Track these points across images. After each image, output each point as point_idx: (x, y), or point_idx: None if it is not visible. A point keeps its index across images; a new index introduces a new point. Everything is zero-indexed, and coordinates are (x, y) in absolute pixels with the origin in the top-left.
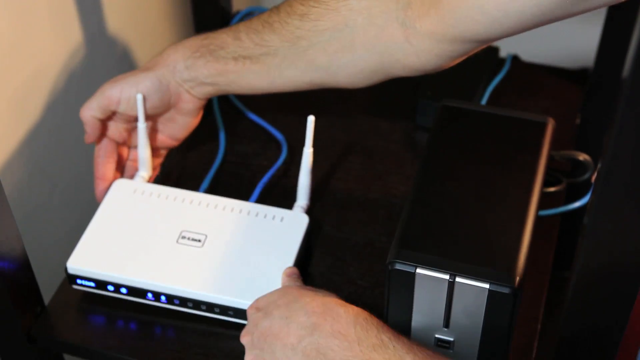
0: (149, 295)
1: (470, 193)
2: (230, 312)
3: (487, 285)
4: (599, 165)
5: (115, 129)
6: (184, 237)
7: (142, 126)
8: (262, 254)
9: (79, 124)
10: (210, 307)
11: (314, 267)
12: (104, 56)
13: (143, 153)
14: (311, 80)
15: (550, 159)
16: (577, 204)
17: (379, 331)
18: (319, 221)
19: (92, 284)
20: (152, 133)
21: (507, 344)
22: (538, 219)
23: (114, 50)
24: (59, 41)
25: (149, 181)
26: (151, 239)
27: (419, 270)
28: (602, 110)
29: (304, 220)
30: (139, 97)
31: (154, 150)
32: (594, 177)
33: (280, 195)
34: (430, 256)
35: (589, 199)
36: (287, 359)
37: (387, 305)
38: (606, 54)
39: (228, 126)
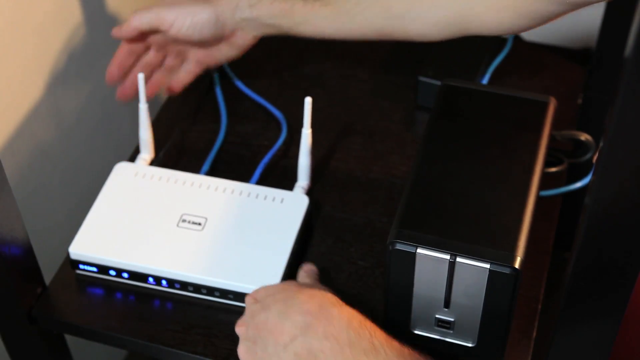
0: (150, 279)
1: (471, 173)
2: (230, 296)
3: (487, 266)
4: (600, 145)
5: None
6: (184, 221)
7: (143, 107)
8: (262, 236)
9: (80, 104)
10: (211, 290)
11: (314, 248)
12: (105, 35)
13: (144, 135)
14: (382, 28)
15: (552, 139)
16: (578, 184)
17: (372, 335)
18: (319, 202)
19: (95, 269)
20: (193, 47)
21: (507, 324)
22: (539, 199)
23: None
24: (59, 20)
25: (151, 162)
26: (152, 222)
27: (419, 250)
28: (604, 90)
29: (304, 201)
30: (140, 76)
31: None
32: (595, 157)
33: (280, 175)
34: (431, 236)
35: (590, 179)
36: (277, 356)
37: (388, 285)
38: (608, 34)
39: (229, 106)
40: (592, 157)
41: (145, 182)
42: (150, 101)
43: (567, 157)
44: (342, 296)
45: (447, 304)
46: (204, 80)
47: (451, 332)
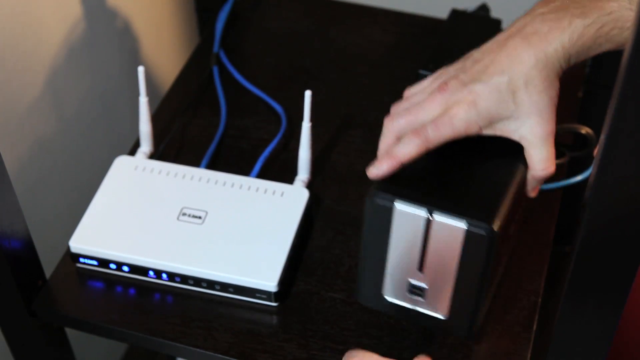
0: (151, 273)
1: (461, 143)
2: (231, 289)
3: (464, 225)
4: (600, 139)
5: None
6: (184, 214)
7: (143, 100)
8: (262, 230)
9: (80, 98)
10: (211, 284)
11: (315, 241)
12: (105, 29)
13: (144, 128)
14: None
15: None
16: (579, 178)
17: None
18: (319, 195)
19: (95, 263)
20: None
21: (480, 294)
22: (539, 193)
23: (114, 23)
24: (59, 14)
25: (151, 155)
26: (152, 216)
27: (397, 205)
28: (605, 82)
29: (305, 194)
30: (141, 69)
31: None
32: (596, 151)
33: (281, 168)
34: (411, 192)
35: (591, 172)
36: None
37: (363, 244)
38: None
39: (229, 99)
40: (592, 151)
41: (145, 175)
42: (151, 94)
43: (568, 151)
44: (343, 294)
45: (420, 266)
46: (204, 74)
47: (423, 300)
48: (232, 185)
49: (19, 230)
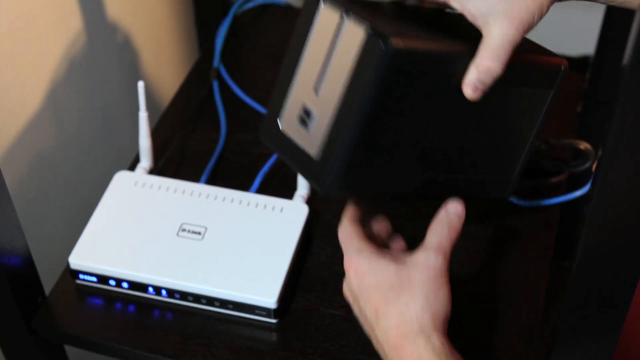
0: (150, 289)
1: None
2: (230, 306)
3: (364, 32)
4: (599, 155)
5: None
6: (184, 230)
7: (143, 115)
8: (262, 245)
9: (80, 113)
10: (210, 300)
11: (314, 257)
12: (105, 44)
13: (144, 143)
14: None
15: (551, 147)
16: (577, 193)
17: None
18: (319, 210)
19: (94, 279)
20: None
21: (359, 132)
22: (539, 208)
23: (114, 38)
24: (59, 29)
25: (151, 170)
26: (152, 232)
27: (322, 3)
28: (604, 97)
29: (304, 210)
30: (140, 84)
31: None
32: (594, 166)
33: (280, 183)
34: (346, 3)
35: (590, 188)
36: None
37: (287, 51)
38: (607, 41)
39: (229, 114)
40: (591, 166)
41: (145, 191)
42: (151, 109)
43: (567, 166)
44: (342, 310)
45: (319, 85)
46: (204, 88)
47: (306, 132)
48: (232, 200)
49: (18, 246)
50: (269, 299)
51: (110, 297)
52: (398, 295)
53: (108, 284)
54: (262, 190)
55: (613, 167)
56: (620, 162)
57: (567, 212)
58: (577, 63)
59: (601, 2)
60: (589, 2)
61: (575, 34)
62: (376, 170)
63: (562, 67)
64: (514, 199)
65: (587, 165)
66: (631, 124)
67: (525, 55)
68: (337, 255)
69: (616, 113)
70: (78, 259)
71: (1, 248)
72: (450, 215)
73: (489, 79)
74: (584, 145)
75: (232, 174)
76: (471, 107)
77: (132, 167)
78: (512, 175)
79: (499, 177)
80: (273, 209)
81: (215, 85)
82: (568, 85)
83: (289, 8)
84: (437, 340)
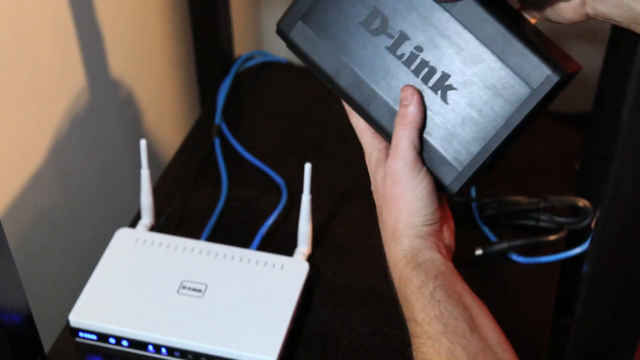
0: (150, 347)
1: None
2: None
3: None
4: (597, 213)
5: None
6: (184, 287)
7: (145, 173)
8: (262, 303)
9: (82, 169)
10: (210, 359)
11: (314, 314)
12: (108, 100)
13: (145, 200)
14: None
15: (550, 205)
16: (577, 250)
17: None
18: (319, 267)
19: (94, 337)
20: None
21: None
22: (538, 265)
23: (117, 94)
24: (62, 85)
25: (152, 227)
26: (152, 289)
27: None
28: (602, 155)
29: (304, 267)
30: (143, 142)
31: None
32: (593, 223)
33: (281, 240)
34: None
35: (589, 245)
36: None
37: None
38: (605, 98)
39: (230, 171)
40: (590, 223)
41: (146, 248)
42: (152, 165)
43: (566, 223)
44: None
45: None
46: (205, 145)
47: None
48: (232, 257)
49: (19, 304)
50: (269, 357)
51: (110, 356)
52: (383, 208)
53: (108, 342)
54: (263, 246)
55: (611, 225)
56: (618, 220)
57: (567, 268)
58: (576, 120)
59: (614, 22)
60: (586, 56)
61: (572, 91)
62: None
63: (551, 74)
64: (513, 256)
65: (586, 222)
66: (628, 182)
67: (534, 33)
68: (337, 312)
69: (613, 171)
70: (78, 317)
71: (2, 306)
72: (402, 107)
73: None
74: (582, 203)
75: (232, 231)
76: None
77: (133, 223)
78: (464, 165)
79: (449, 162)
80: (273, 266)
81: (217, 142)
82: (566, 142)
83: (289, 66)
84: (406, 244)
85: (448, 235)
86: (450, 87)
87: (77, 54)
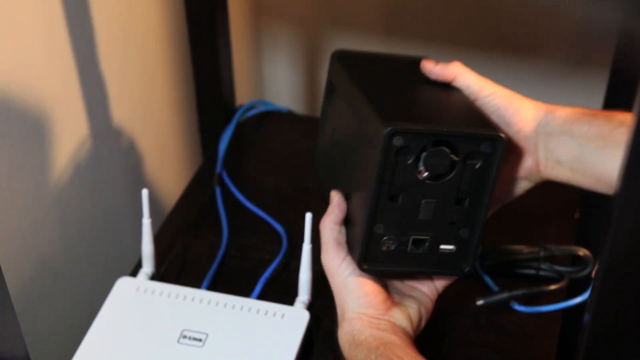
0: None
1: None
2: None
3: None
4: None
5: None
6: (185, 337)
7: (146, 222)
8: (263, 352)
9: (83, 217)
10: None
11: None
12: (110, 148)
13: (146, 249)
14: None
15: (550, 254)
16: (577, 300)
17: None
18: (320, 316)
19: None
20: None
21: None
22: (539, 315)
23: (119, 142)
24: (65, 132)
25: (153, 276)
26: (153, 339)
27: None
28: (601, 204)
29: (305, 316)
30: (144, 192)
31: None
32: (594, 272)
33: (282, 289)
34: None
35: (589, 295)
36: None
37: None
38: None
39: (230, 219)
40: (591, 272)
41: (146, 297)
42: (154, 213)
43: (567, 272)
44: None
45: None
46: (206, 194)
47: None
48: (233, 306)
49: (19, 354)
50: None
51: None
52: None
53: None
54: (264, 295)
55: (610, 276)
56: (618, 270)
57: (568, 318)
58: None
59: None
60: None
61: None
62: None
63: (387, 134)
64: (515, 305)
65: (586, 271)
66: (628, 232)
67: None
68: None
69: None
70: None
71: (1, 356)
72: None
73: None
74: (583, 252)
75: (233, 279)
76: None
77: (134, 271)
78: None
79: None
80: (274, 315)
81: (218, 190)
82: (566, 191)
83: (290, 115)
84: (346, 327)
85: (405, 317)
86: None
87: (80, 102)
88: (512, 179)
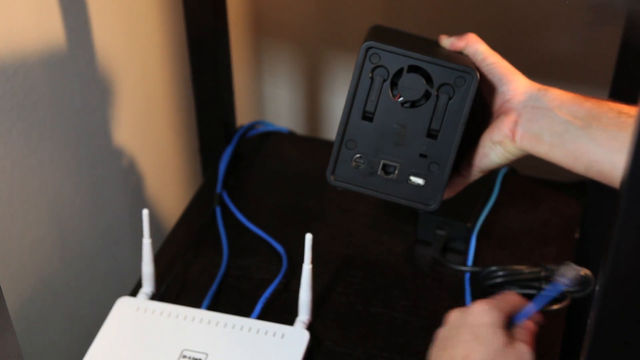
0: None
1: None
2: None
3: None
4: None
5: None
6: (184, 357)
7: (146, 242)
8: None
9: (83, 237)
10: None
11: None
12: (110, 168)
13: (147, 269)
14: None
15: (552, 274)
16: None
17: None
18: (320, 336)
19: None
20: None
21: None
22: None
23: (120, 162)
24: (65, 154)
25: (153, 296)
26: (153, 359)
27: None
28: (602, 223)
29: (305, 336)
30: (145, 212)
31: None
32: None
33: (282, 308)
34: None
35: (590, 315)
36: None
37: None
38: None
39: (231, 239)
40: (592, 291)
41: (146, 317)
42: (154, 233)
43: (569, 292)
44: None
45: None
46: (207, 214)
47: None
48: (233, 326)
49: None
50: None
51: None
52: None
53: None
54: (264, 315)
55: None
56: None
57: (568, 342)
58: (574, 189)
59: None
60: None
61: None
62: None
63: None
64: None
65: (587, 291)
66: (629, 251)
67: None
68: None
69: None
70: None
71: None
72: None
73: None
74: (584, 272)
75: (233, 299)
76: None
77: (134, 291)
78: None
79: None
80: (274, 335)
81: (218, 210)
82: (566, 211)
83: (290, 136)
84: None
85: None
86: None
87: (81, 122)
88: (490, 141)
